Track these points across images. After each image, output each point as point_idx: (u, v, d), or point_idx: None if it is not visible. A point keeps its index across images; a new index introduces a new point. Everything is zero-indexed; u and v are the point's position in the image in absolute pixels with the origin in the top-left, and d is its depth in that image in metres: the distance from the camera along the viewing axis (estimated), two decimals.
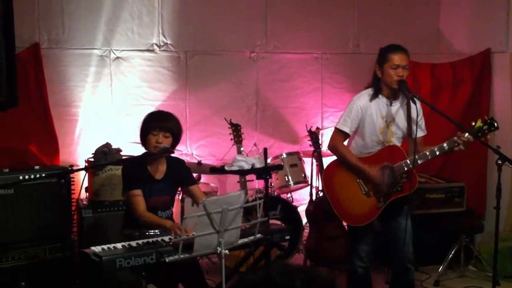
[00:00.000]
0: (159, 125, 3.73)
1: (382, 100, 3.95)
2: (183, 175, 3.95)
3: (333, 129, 4.12)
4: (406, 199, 3.95)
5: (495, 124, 3.80)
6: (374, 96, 3.94)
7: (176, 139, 3.84)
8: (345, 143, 4.06)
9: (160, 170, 3.84)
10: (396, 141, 3.98)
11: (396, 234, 3.97)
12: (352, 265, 4.09)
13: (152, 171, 3.82)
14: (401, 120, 3.97)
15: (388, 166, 3.89)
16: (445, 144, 3.82)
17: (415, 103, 3.86)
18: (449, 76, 6.14)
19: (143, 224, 3.67)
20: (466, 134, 3.77)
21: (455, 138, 3.78)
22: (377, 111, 3.93)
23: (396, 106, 3.96)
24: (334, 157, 4.13)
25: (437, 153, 3.84)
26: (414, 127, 3.90)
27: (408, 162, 3.84)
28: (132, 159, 3.88)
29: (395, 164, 3.87)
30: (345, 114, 3.99)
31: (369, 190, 3.92)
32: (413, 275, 4.14)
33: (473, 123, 3.84)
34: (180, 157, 5.24)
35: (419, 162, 3.85)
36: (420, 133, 3.98)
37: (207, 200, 3.12)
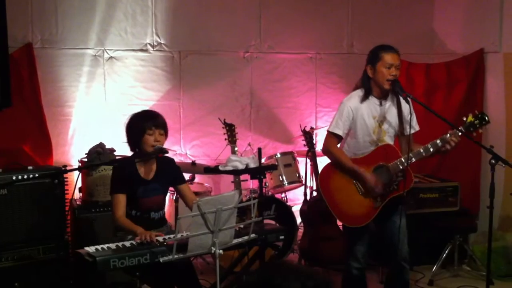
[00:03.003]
0: (154, 123, 3.73)
1: (372, 100, 3.94)
2: (174, 174, 3.95)
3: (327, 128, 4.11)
4: (401, 198, 3.95)
5: (486, 118, 3.80)
6: (364, 97, 3.94)
7: (167, 136, 3.86)
8: (338, 145, 4.06)
9: (151, 170, 3.84)
10: (388, 140, 3.98)
11: (391, 233, 3.96)
12: (348, 266, 4.09)
13: (143, 172, 3.81)
14: (393, 118, 3.97)
15: (383, 166, 3.89)
16: (438, 141, 3.81)
17: (407, 102, 3.85)
18: (443, 76, 6.15)
19: (117, 228, 3.72)
20: (459, 134, 3.78)
21: (448, 134, 3.79)
22: (368, 111, 3.93)
23: (387, 104, 3.97)
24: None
25: (431, 149, 3.83)
26: (405, 125, 3.91)
27: (403, 161, 3.84)
28: (125, 159, 3.88)
29: (390, 163, 3.87)
30: (337, 117, 3.98)
31: (365, 191, 3.92)
32: (408, 274, 4.14)
33: (464, 118, 3.84)
34: (174, 157, 5.25)
35: (414, 159, 3.85)
36: (413, 130, 3.98)
37: (201, 200, 3.12)
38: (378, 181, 3.86)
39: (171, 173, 3.92)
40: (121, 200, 3.71)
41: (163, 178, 3.86)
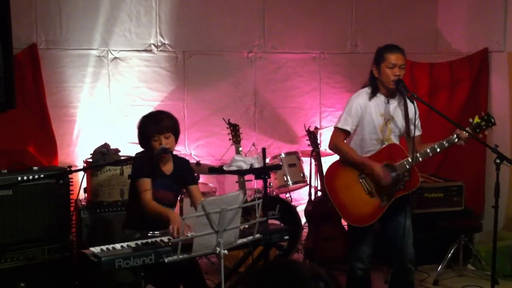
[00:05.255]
0: (157, 129, 3.74)
1: (380, 98, 3.96)
2: (187, 174, 3.99)
3: (331, 128, 4.11)
4: (407, 198, 3.94)
5: (492, 120, 3.84)
6: (372, 94, 3.95)
7: (177, 134, 3.88)
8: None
9: (169, 168, 3.89)
10: (394, 139, 3.98)
11: (396, 234, 3.95)
12: (352, 267, 4.07)
13: (162, 167, 3.85)
14: (399, 118, 3.98)
15: (389, 165, 3.88)
16: (444, 142, 3.85)
17: (412, 102, 3.86)
18: (447, 75, 6.14)
19: (147, 211, 3.66)
20: (464, 132, 3.79)
21: (455, 136, 3.80)
22: (376, 109, 3.94)
23: (394, 104, 3.97)
24: (333, 157, 4.13)
25: (438, 150, 3.87)
26: (411, 126, 3.92)
27: (410, 160, 3.84)
28: (131, 159, 3.89)
29: (396, 163, 3.87)
30: (345, 113, 3.98)
31: (372, 190, 3.91)
32: (413, 276, 4.13)
33: (471, 120, 3.87)
34: None
35: (420, 159, 3.86)
36: (417, 133, 3.98)
37: (206, 200, 3.12)
38: (386, 173, 3.86)
39: (185, 173, 3.97)
40: (148, 184, 3.72)
41: (178, 177, 3.91)
